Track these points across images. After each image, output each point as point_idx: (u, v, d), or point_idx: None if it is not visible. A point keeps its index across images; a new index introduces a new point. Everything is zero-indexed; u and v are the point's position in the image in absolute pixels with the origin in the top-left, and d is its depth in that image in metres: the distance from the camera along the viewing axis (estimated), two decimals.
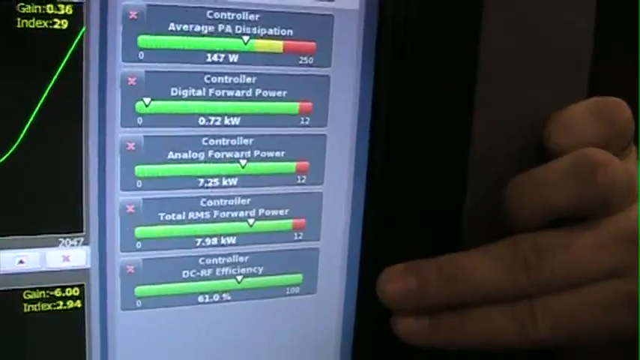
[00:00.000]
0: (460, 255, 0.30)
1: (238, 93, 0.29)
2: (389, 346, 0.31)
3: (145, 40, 0.27)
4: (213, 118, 0.29)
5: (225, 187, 0.29)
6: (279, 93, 0.29)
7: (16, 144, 0.26)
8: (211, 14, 0.28)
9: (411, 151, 0.31)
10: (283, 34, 0.29)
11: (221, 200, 0.29)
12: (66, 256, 0.28)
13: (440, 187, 0.31)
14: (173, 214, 0.29)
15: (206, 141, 0.29)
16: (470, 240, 0.30)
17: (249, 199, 0.30)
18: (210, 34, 0.28)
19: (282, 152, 0.30)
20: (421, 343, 0.30)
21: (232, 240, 0.30)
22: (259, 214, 0.30)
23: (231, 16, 0.28)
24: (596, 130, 0.29)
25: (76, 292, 0.28)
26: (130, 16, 0.27)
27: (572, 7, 0.31)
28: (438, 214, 0.31)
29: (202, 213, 0.29)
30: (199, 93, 0.28)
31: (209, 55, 0.28)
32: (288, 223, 0.30)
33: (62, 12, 0.26)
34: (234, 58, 0.28)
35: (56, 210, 0.27)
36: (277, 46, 0.29)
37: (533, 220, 0.29)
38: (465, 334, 0.30)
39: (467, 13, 0.30)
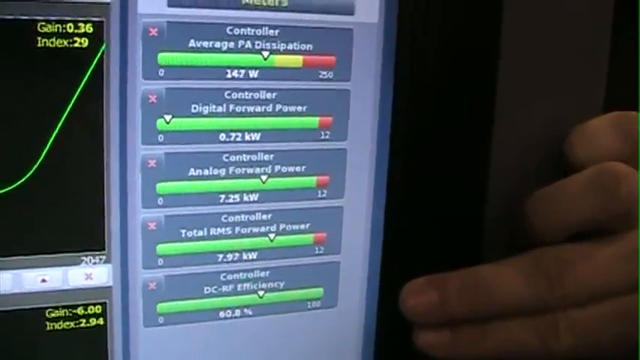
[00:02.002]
0: (481, 268, 0.30)
1: (258, 108, 0.29)
2: (410, 358, 0.31)
3: (165, 57, 0.27)
4: (233, 134, 0.29)
5: (246, 202, 0.29)
6: (299, 108, 0.29)
7: (38, 162, 0.27)
8: (231, 30, 0.28)
9: (431, 164, 0.31)
10: (303, 48, 0.29)
11: (242, 216, 0.29)
12: (88, 274, 0.28)
13: (460, 199, 0.31)
14: (194, 231, 0.29)
15: (227, 157, 0.29)
16: (491, 253, 0.31)
17: (270, 215, 0.30)
18: (230, 50, 0.28)
19: (303, 167, 0.30)
20: (442, 356, 0.30)
21: (253, 255, 0.30)
22: (280, 229, 0.30)
23: (250, 31, 0.28)
24: (617, 144, 0.30)
25: (98, 309, 0.28)
26: (150, 34, 0.27)
27: (590, 19, 0.31)
28: (459, 227, 0.31)
29: (223, 229, 0.29)
30: (220, 109, 0.28)
31: (229, 71, 0.28)
32: (308, 238, 0.31)
33: (82, 30, 0.26)
34: (254, 73, 0.28)
35: (78, 228, 0.28)
36: (297, 60, 0.29)
37: (554, 233, 0.29)
38: (487, 347, 0.30)
39: (486, 26, 0.30)
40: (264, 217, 0.30)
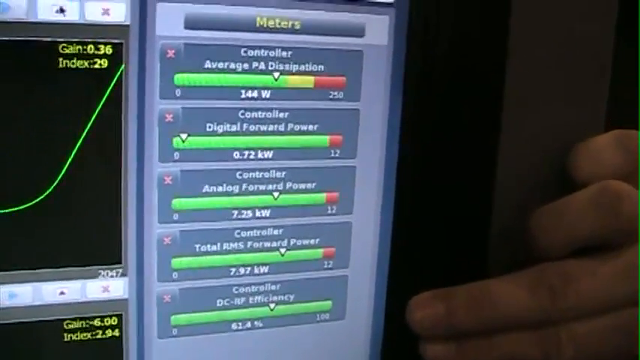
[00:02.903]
0: (487, 282, 0.30)
1: (271, 127, 0.30)
2: None
3: (181, 77, 0.28)
4: (247, 152, 0.29)
5: (258, 218, 0.30)
6: (310, 127, 0.30)
7: (58, 179, 0.27)
8: (245, 52, 0.29)
9: (438, 180, 0.32)
10: (314, 69, 0.30)
11: (254, 231, 0.30)
12: (105, 286, 0.29)
13: (466, 215, 0.32)
14: (208, 245, 0.30)
15: (240, 174, 0.29)
16: (496, 267, 0.31)
17: (281, 230, 0.31)
18: (244, 71, 0.29)
19: (313, 184, 0.31)
20: None
21: (265, 269, 0.31)
22: (291, 243, 0.31)
23: (264, 53, 0.29)
24: (619, 162, 0.30)
25: (114, 321, 0.29)
26: (168, 55, 0.28)
27: (594, 32, 0.32)
28: (464, 242, 0.32)
29: (236, 244, 0.30)
30: (234, 128, 0.29)
31: (243, 91, 0.29)
32: (318, 252, 0.31)
33: (102, 52, 0.27)
34: (267, 93, 0.29)
35: (96, 242, 0.28)
36: (308, 81, 0.30)
37: (558, 249, 0.30)
38: (491, 359, 0.30)
39: (492, 49, 0.30)
40: (276, 232, 0.31)
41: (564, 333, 0.30)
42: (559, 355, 0.30)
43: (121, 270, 0.29)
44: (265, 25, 0.29)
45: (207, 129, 0.29)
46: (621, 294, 0.30)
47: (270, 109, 0.29)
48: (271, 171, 0.30)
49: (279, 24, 0.29)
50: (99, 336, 0.29)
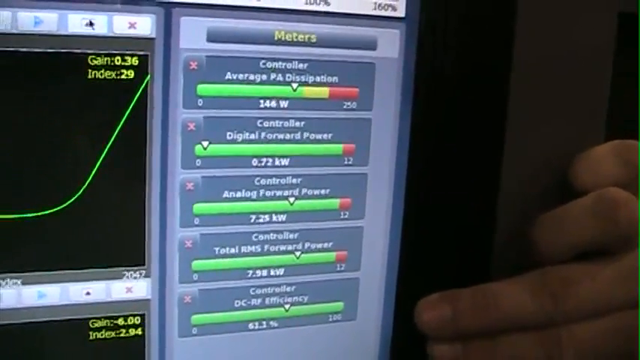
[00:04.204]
0: (492, 285, 0.31)
1: (288, 136, 0.31)
2: None
3: (203, 88, 0.29)
4: (264, 160, 0.31)
5: (274, 222, 0.31)
6: (324, 135, 0.31)
7: (85, 184, 0.28)
8: (264, 64, 0.30)
9: (446, 188, 0.33)
10: (329, 81, 0.31)
11: (271, 235, 0.31)
12: (129, 287, 0.30)
13: (472, 221, 0.33)
14: (227, 248, 0.31)
15: (258, 180, 0.31)
16: (500, 271, 0.32)
17: (296, 234, 0.32)
18: (263, 82, 0.30)
19: (327, 190, 0.32)
20: None
21: (280, 271, 0.32)
22: (305, 247, 0.32)
23: (282, 65, 0.30)
24: (617, 171, 0.31)
25: (137, 320, 0.30)
26: (191, 67, 0.29)
27: (595, 58, 0.33)
28: (470, 247, 0.33)
29: (254, 247, 0.31)
30: (253, 136, 0.30)
31: (262, 101, 0.30)
32: (331, 256, 0.32)
33: (129, 63, 0.28)
34: (284, 104, 0.30)
35: (121, 245, 0.29)
36: (324, 92, 0.31)
37: (559, 254, 0.31)
38: (495, 359, 0.31)
39: (498, 63, 0.32)
40: (291, 236, 0.32)
41: (565, 335, 0.30)
42: (561, 356, 0.30)
43: (144, 271, 0.30)
44: (283, 39, 0.30)
45: (228, 137, 0.30)
46: (620, 297, 0.30)
47: (287, 119, 0.31)
48: (287, 177, 0.31)
49: (296, 37, 0.30)
50: (122, 334, 0.30)
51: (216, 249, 0.31)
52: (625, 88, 0.35)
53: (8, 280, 0.28)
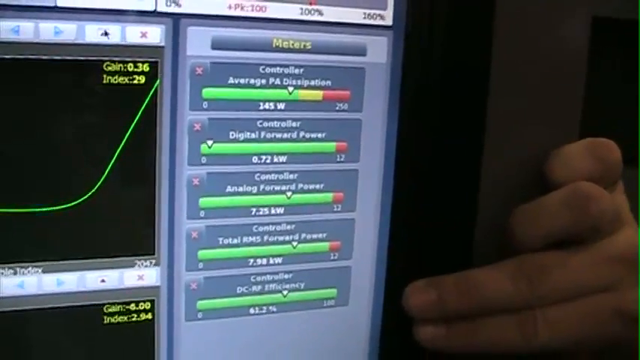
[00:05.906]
0: (474, 271, 0.33)
1: (285, 135, 0.33)
2: (411, 351, 0.34)
3: (208, 91, 0.31)
4: (264, 157, 0.33)
5: (273, 215, 0.33)
6: (319, 135, 0.33)
7: (100, 181, 0.30)
8: (263, 69, 0.32)
9: (431, 182, 0.35)
10: (323, 84, 0.33)
11: (270, 226, 0.33)
12: (140, 275, 0.32)
13: (455, 213, 0.35)
14: (230, 239, 0.33)
15: (258, 176, 0.33)
16: (481, 258, 0.34)
17: (293, 225, 0.34)
18: (262, 86, 0.32)
19: (321, 185, 0.34)
20: (439, 348, 0.33)
21: (279, 260, 0.34)
22: (301, 237, 0.34)
23: (279, 70, 0.32)
24: (589, 167, 0.33)
25: (147, 306, 0.32)
26: (197, 72, 0.31)
27: (571, 55, 0.35)
28: (454, 237, 0.35)
29: (254, 237, 0.33)
30: (253, 136, 0.32)
31: (261, 103, 0.32)
32: (325, 245, 0.34)
33: (140, 69, 0.30)
34: (282, 105, 0.33)
35: (133, 236, 0.32)
36: (318, 95, 0.33)
37: (535, 243, 0.33)
38: (477, 340, 0.33)
39: (477, 66, 0.34)
40: (288, 227, 0.34)
41: (541, 317, 0.32)
42: (536, 336, 0.32)
43: (154, 260, 0.32)
44: (281, 46, 0.32)
45: (230, 136, 0.32)
46: (589, 282, 0.33)
47: (285, 120, 0.33)
48: (285, 173, 0.33)
49: (293, 45, 0.32)
50: (134, 319, 0.32)
51: (220, 239, 0.33)
52: (599, 88, 0.37)
53: (30, 268, 0.30)
